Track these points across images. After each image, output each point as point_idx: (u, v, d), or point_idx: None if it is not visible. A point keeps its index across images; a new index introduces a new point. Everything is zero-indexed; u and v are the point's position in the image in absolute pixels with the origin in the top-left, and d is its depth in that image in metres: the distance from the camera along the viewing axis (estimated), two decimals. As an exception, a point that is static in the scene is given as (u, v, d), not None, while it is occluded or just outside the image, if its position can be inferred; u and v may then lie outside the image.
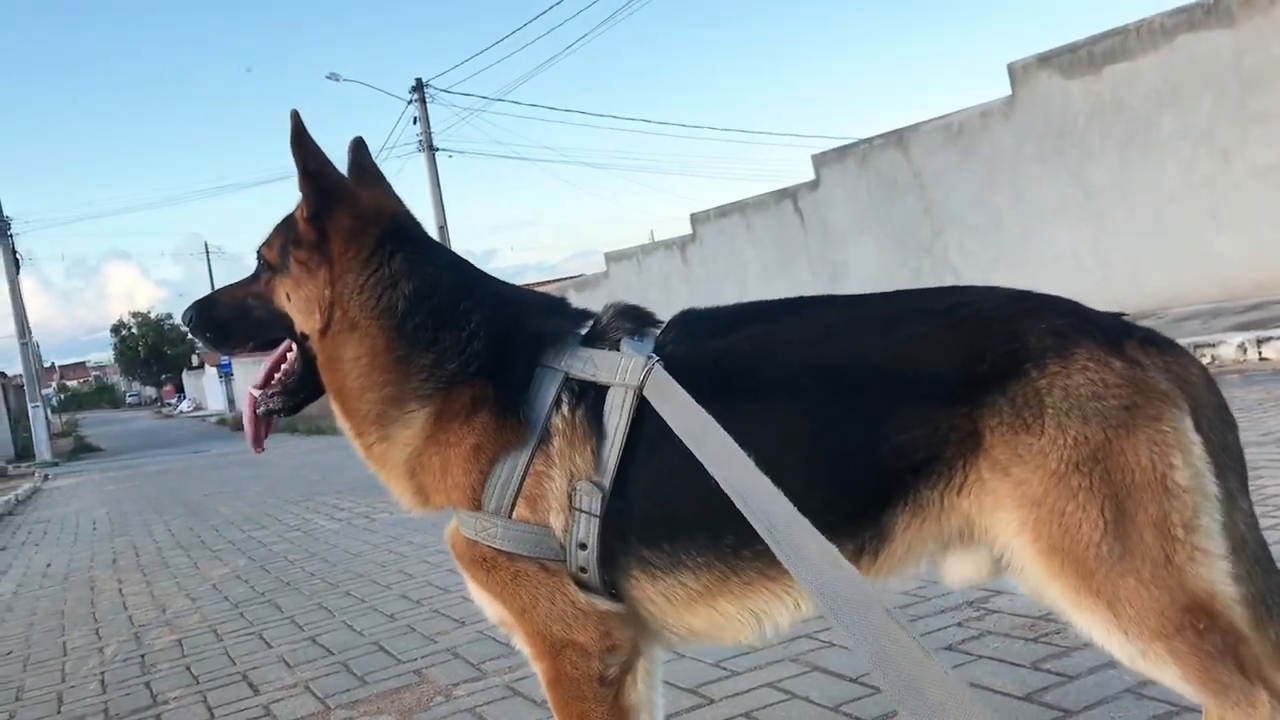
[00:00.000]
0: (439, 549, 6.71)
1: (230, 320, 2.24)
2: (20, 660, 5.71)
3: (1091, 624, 1.75)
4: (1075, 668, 2.98)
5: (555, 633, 1.95)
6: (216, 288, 2.42)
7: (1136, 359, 1.79)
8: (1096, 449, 1.72)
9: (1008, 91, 13.46)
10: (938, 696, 1.26)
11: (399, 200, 2.26)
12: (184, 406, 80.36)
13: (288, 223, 2.15)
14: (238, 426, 40.91)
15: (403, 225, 2.15)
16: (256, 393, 2.20)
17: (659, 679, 2.13)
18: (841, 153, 16.49)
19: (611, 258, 22.78)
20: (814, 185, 16.93)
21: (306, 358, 2.13)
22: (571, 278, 27.66)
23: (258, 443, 2.27)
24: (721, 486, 1.65)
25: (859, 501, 1.85)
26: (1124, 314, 1.96)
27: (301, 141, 2.06)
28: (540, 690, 2.05)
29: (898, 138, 15.29)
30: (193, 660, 5.05)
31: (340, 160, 2.22)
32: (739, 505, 1.62)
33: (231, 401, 54.06)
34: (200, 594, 6.81)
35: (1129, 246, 12.31)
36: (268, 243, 2.18)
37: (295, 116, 2.05)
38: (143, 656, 5.31)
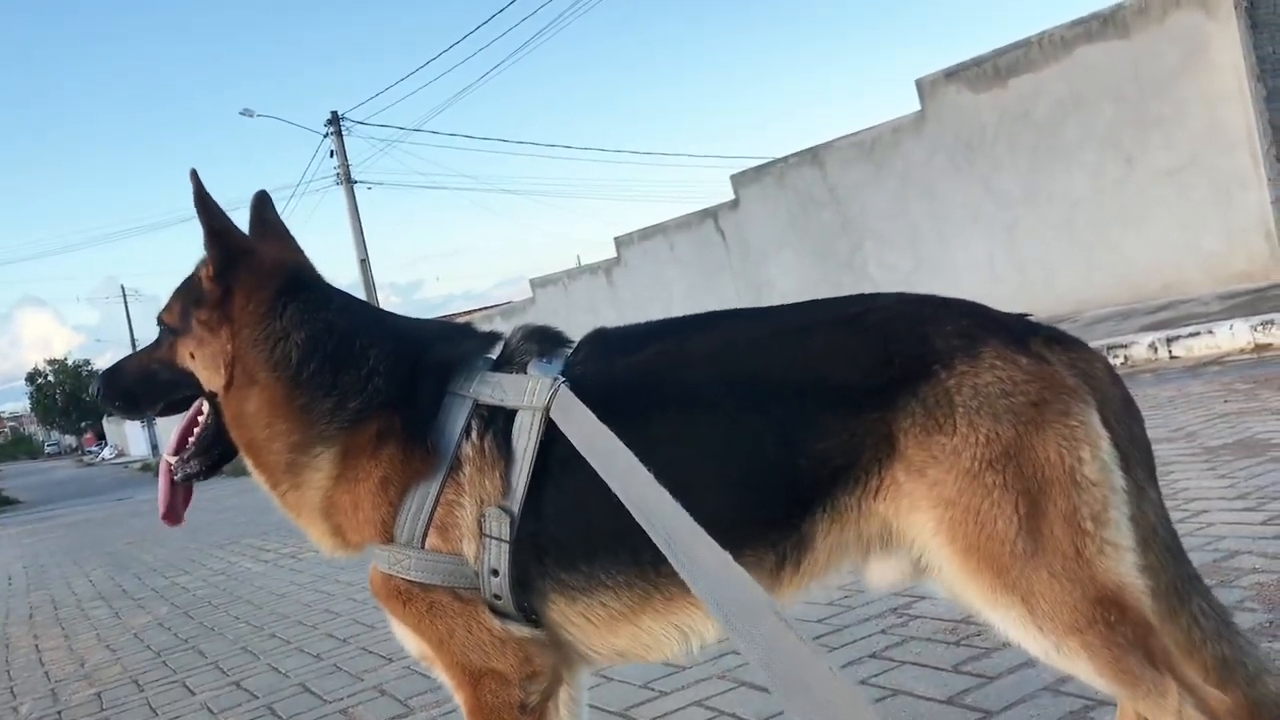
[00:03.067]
0: (365, 586, 6.60)
1: (136, 386, 2.23)
2: (-70, 724, 5.49)
3: (1008, 621, 1.76)
4: (995, 668, 3.01)
5: (473, 662, 1.93)
6: (119, 358, 2.42)
7: (1043, 356, 1.81)
8: (1008, 445, 1.74)
9: (917, 107, 13.73)
10: (824, 694, 1.26)
11: (299, 252, 2.27)
12: (106, 454, 78.44)
13: (188, 284, 2.16)
14: (162, 471, 39.95)
15: (299, 276, 2.15)
16: (172, 460, 2.17)
17: (584, 704, 2.12)
18: (759, 171, 16.67)
19: (537, 283, 22.74)
20: (734, 204, 17.09)
21: (218, 415, 2.11)
22: (498, 305, 27.55)
23: (172, 514, 2.23)
24: (624, 503, 1.65)
25: (778, 511, 1.85)
26: (1029, 314, 1.99)
27: (204, 202, 2.07)
28: (467, 720, 2.02)
29: (813, 155, 15.50)
30: (112, 713, 4.91)
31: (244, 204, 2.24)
32: (640, 520, 1.61)
33: (155, 446, 52.87)
34: (121, 644, 6.61)
35: (1041, 252, 12.60)
36: (168, 308, 2.18)
37: (194, 177, 2.07)
38: (59, 713, 5.14)
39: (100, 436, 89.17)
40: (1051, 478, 1.73)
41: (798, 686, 1.27)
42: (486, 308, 31.68)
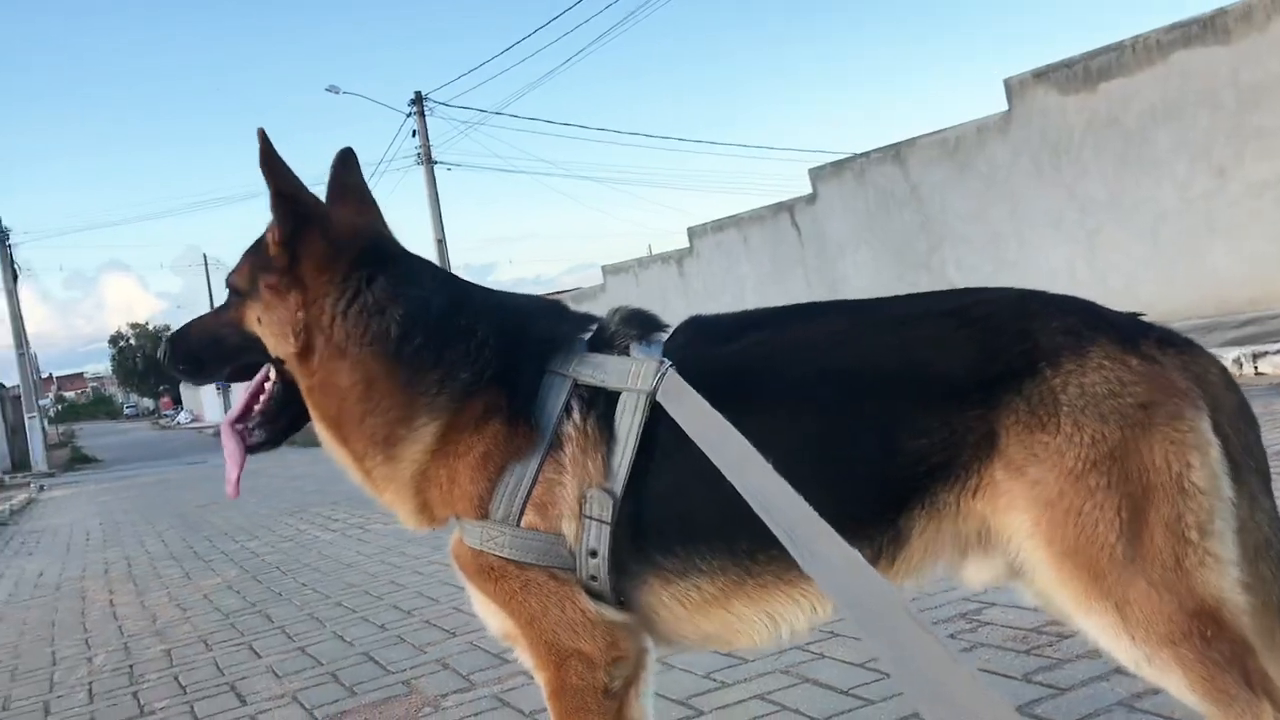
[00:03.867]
0: (431, 560, 6.69)
1: (203, 350, 2.20)
2: (8, 670, 5.68)
3: (1099, 628, 1.71)
4: (1067, 680, 2.95)
5: (562, 642, 1.92)
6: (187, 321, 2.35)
7: (1153, 357, 1.76)
8: (1113, 448, 1.69)
9: (1004, 107, 13.49)
10: (965, 700, 1.23)
11: (379, 219, 2.23)
12: (182, 418, 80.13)
13: (256, 247, 2.12)
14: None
15: (380, 246, 2.12)
16: (237, 425, 2.14)
17: (652, 691, 2.11)
18: (839, 167, 16.51)
19: (609, 271, 22.79)
20: (811, 199, 16.96)
21: (285, 382, 2.09)
22: (568, 291, 27.66)
23: (238, 483, 2.18)
24: (740, 492, 1.63)
25: (875, 505, 1.82)
26: (1140, 314, 1.93)
27: (271, 163, 2.01)
28: (530, 701, 2.03)
29: (895, 152, 15.32)
30: (181, 670, 5.02)
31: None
32: (758, 510, 1.59)
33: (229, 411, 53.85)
34: (191, 604, 6.77)
35: (1124, 261, 12.33)
36: (237, 269, 2.14)
37: (262, 136, 2.00)
38: (131, 667, 5.28)
39: (177, 401, 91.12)
40: (1156, 483, 1.68)
41: (936, 691, 1.24)
42: (557, 293, 31.82)
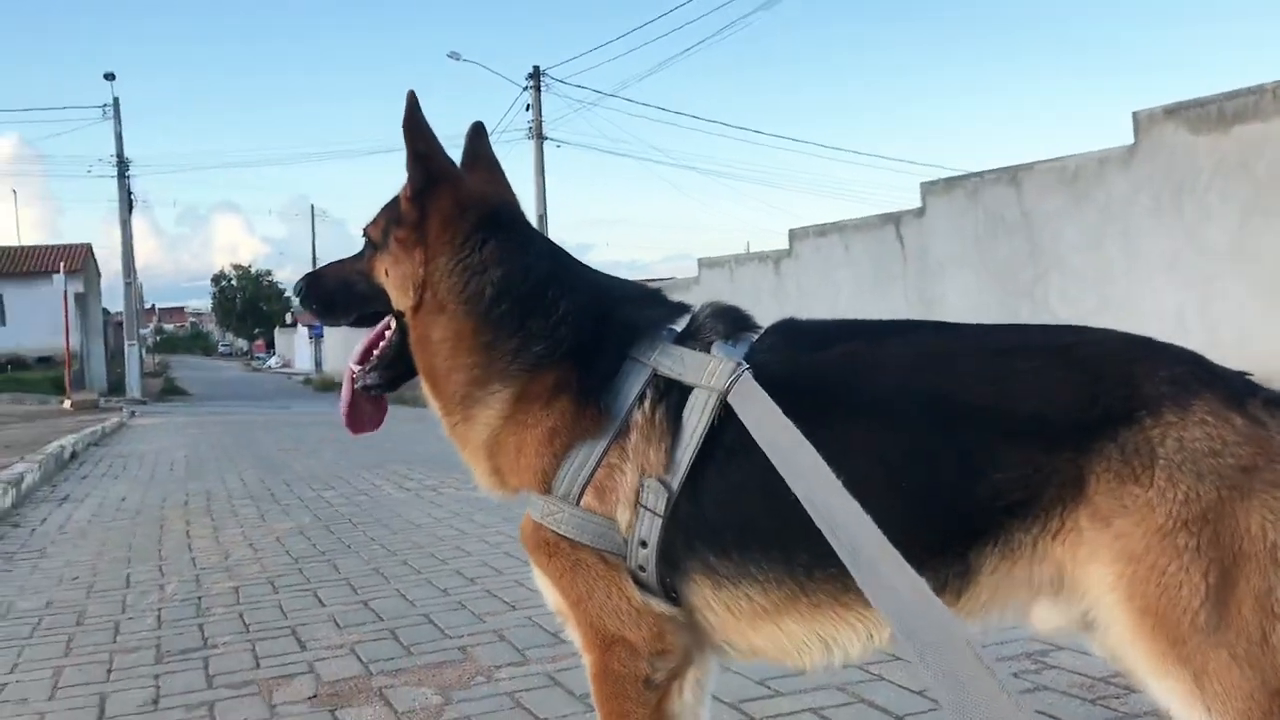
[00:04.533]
0: (499, 530, 6.75)
1: (334, 293, 2.30)
2: (85, 587, 5.87)
3: (1173, 694, 1.63)
4: (1133, 736, 2.86)
5: (607, 627, 1.93)
6: (324, 263, 2.49)
7: (1260, 419, 1.67)
8: (1207, 508, 1.61)
9: (1129, 140, 13.11)
10: None
11: (507, 189, 2.29)
12: (272, 362, 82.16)
13: (392, 203, 2.20)
14: (323, 387, 41.74)
15: (502, 213, 2.17)
16: (356, 368, 2.24)
17: (708, 691, 2.08)
18: (951, 184, 16.22)
19: (705, 263, 22.72)
20: (919, 213, 16.68)
21: (403, 333, 2.16)
22: (662, 279, 27.65)
23: (353, 421, 2.30)
24: (804, 505, 1.60)
25: (946, 536, 1.76)
26: (1249, 373, 1.84)
27: (415, 123, 2.09)
28: (582, 683, 2.03)
29: (1011, 175, 14.98)
30: (247, 609, 5.14)
31: (454, 140, 2.25)
32: (822, 526, 1.56)
33: (318, 363, 55.11)
34: (263, 545, 6.93)
35: (1238, 313, 11.89)
36: (373, 221, 2.22)
37: (411, 97, 2.08)
38: (200, 599, 5.42)
39: (270, 345, 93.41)
40: (1250, 552, 1.60)
41: None
42: (650, 280, 31.83)
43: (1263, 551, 1.60)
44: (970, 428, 1.77)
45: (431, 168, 2.10)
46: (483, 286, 2.03)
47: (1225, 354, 1.85)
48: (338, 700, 3.68)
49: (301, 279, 2.37)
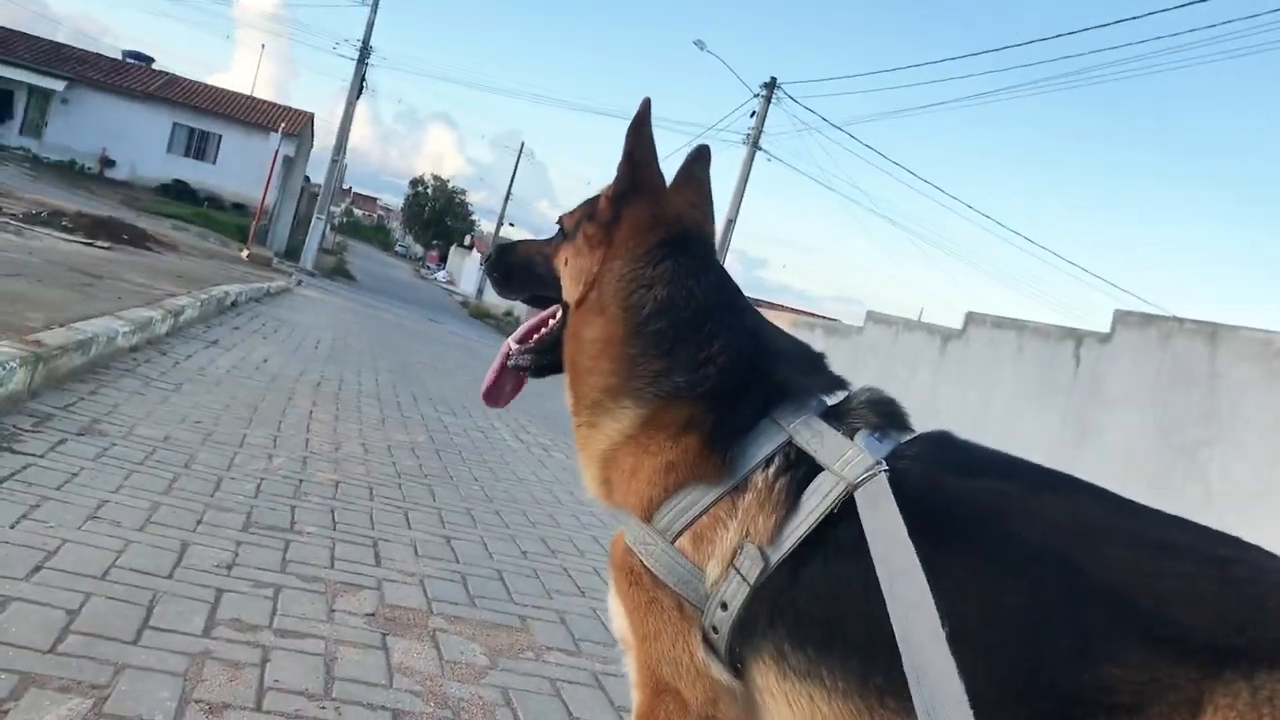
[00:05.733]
0: (592, 511, 6.79)
1: (515, 268, 2.36)
2: (204, 434, 6.11)
3: None
4: None
5: (664, 674, 1.90)
6: (518, 240, 2.56)
7: None
8: None
9: (1351, 335, 12.35)
10: None
11: (706, 217, 2.30)
12: (439, 275, 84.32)
13: (593, 199, 2.23)
14: (477, 314, 42.75)
15: (690, 237, 2.16)
16: (514, 345, 2.29)
17: None
18: (1146, 320, 15.56)
19: (873, 318, 22.34)
20: (1104, 339, 16.06)
21: (565, 325, 2.19)
22: (825, 318, 27.31)
23: (492, 395, 2.36)
24: (896, 637, 1.54)
25: (1037, 714, 1.65)
26: None
27: (640, 129, 2.11)
28: (623, 694, 2.01)
29: (1210, 331, 14.29)
30: (339, 506, 5.29)
31: (657, 121, 2.27)
32: (905, 664, 1.50)
33: (480, 290, 56.42)
34: (374, 449, 7.11)
35: None
36: (570, 212, 2.26)
37: (645, 103, 2.11)
38: (300, 481, 5.60)
39: (442, 259, 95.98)
40: None
41: None
42: (813, 315, 31.48)
43: None
44: (1102, 612, 1.66)
45: (639, 175, 2.12)
46: (645, 300, 2.03)
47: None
48: (392, 626, 3.76)
49: (495, 247, 2.46)
